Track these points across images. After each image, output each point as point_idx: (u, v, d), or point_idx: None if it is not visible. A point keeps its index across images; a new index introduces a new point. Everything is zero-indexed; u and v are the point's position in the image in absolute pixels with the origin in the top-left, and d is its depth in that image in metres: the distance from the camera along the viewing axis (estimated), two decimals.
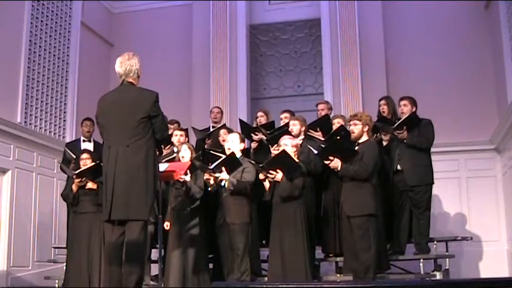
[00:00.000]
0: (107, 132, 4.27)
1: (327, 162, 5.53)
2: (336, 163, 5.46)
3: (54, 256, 8.16)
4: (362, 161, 5.37)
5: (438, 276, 5.99)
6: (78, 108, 9.34)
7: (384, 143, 6.39)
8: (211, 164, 5.62)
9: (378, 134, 6.40)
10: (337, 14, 9.53)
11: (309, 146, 5.84)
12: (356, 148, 5.53)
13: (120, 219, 4.12)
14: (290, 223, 5.37)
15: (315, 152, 5.69)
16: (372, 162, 5.39)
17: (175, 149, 6.20)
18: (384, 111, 6.57)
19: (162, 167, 4.92)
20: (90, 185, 6.10)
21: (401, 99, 6.35)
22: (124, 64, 4.28)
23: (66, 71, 9.31)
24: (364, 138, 5.59)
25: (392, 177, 6.21)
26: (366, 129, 5.58)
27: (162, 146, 6.17)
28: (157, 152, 5.27)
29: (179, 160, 5.70)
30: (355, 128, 5.57)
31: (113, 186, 4.08)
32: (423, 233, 6.09)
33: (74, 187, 6.14)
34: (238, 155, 5.74)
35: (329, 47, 9.51)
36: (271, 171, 5.43)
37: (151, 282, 6.08)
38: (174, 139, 6.30)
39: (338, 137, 5.90)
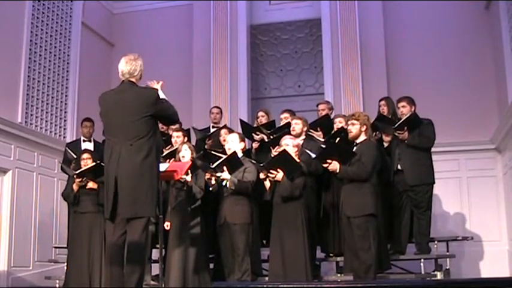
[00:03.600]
0: (108, 131, 4.28)
1: (325, 165, 5.53)
2: (334, 166, 5.46)
3: (55, 256, 8.16)
4: (361, 162, 5.37)
5: (439, 276, 5.99)
6: (79, 108, 9.35)
7: (385, 144, 6.38)
8: (213, 164, 5.62)
9: (377, 132, 6.38)
10: (338, 14, 9.53)
11: (307, 150, 5.82)
12: (354, 148, 5.52)
13: (123, 218, 4.12)
14: (291, 223, 5.37)
15: (313, 156, 5.68)
16: (370, 163, 5.38)
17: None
18: (383, 112, 6.56)
19: (163, 166, 4.91)
20: (91, 184, 6.12)
21: (399, 100, 6.26)
22: (129, 63, 4.29)
23: (67, 71, 9.31)
24: (362, 138, 5.58)
25: (392, 177, 6.20)
26: (363, 128, 5.58)
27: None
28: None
29: (179, 160, 5.70)
30: (353, 128, 5.57)
31: (115, 185, 4.08)
32: (424, 232, 6.08)
33: (75, 187, 6.15)
34: (240, 154, 5.74)
35: (330, 47, 9.50)
36: (271, 171, 5.43)
37: (152, 282, 6.07)
38: (172, 140, 6.31)
39: (337, 139, 5.89)
